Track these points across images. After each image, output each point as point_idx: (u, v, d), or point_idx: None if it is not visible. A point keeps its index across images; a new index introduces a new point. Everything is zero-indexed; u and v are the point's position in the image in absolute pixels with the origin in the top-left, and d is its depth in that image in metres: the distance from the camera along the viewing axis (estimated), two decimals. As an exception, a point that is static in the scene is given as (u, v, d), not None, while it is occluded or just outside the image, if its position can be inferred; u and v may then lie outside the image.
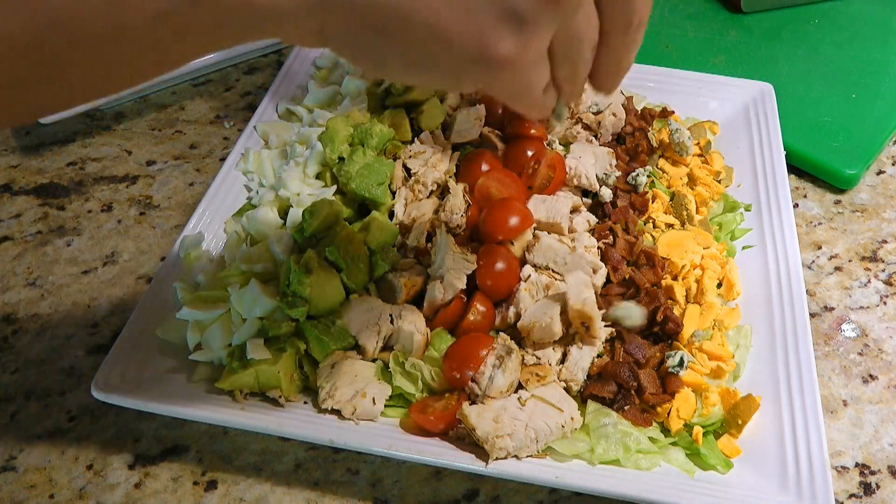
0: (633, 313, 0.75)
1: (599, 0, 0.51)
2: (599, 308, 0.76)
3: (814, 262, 0.95)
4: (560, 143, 0.95)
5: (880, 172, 1.07)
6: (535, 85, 0.50)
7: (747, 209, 0.92)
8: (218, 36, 0.46)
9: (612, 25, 0.52)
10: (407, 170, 0.91)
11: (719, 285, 0.83)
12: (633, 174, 0.91)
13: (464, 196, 0.84)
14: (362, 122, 0.92)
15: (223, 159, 1.00)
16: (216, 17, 0.44)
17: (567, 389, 0.73)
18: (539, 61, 0.49)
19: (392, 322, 0.76)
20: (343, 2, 0.44)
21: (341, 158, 0.88)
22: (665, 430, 0.72)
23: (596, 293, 0.76)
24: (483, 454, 0.68)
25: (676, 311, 0.79)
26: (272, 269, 0.82)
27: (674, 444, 0.71)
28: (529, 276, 0.78)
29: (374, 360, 0.76)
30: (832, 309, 0.89)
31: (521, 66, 0.47)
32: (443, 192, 0.89)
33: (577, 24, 0.49)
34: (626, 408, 0.72)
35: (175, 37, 0.45)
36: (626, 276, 0.80)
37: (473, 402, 0.70)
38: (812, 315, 0.88)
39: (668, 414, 0.71)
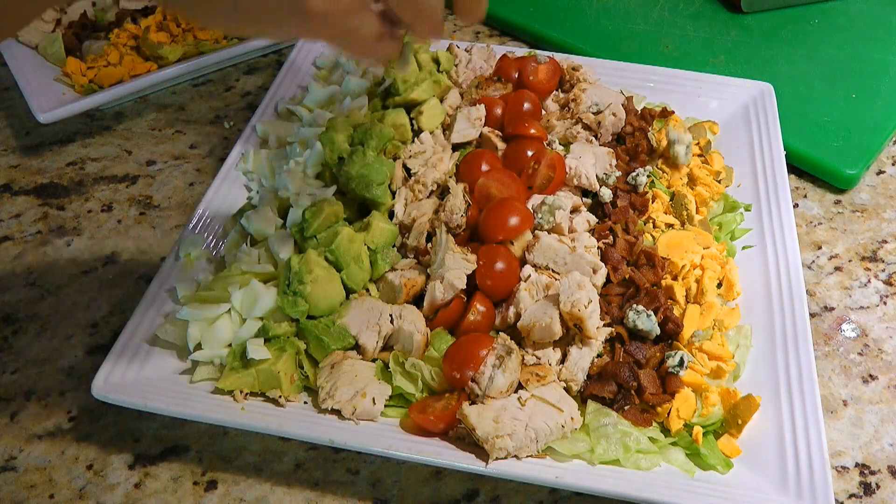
0: (647, 324, 0.75)
1: None
2: (602, 309, 0.76)
3: (814, 262, 0.95)
4: (560, 143, 0.95)
5: (880, 172, 1.07)
6: (359, 32, 0.56)
7: (747, 209, 0.92)
8: None
9: None
10: (407, 170, 0.91)
11: (719, 285, 0.83)
12: (633, 174, 0.91)
13: (464, 196, 0.84)
14: (362, 122, 0.92)
15: (223, 159, 1.00)
16: None
17: (567, 389, 0.73)
18: (357, 11, 0.55)
19: (392, 322, 0.76)
20: None
21: (341, 158, 0.88)
22: (665, 430, 0.72)
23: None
24: (483, 454, 0.68)
25: (676, 311, 0.79)
26: (272, 269, 0.82)
27: (674, 444, 0.71)
28: (529, 276, 0.78)
29: (374, 360, 0.76)
30: (832, 309, 0.89)
31: (335, 17, 0.54)
32: (443, 192, 0.89)
33: None
34: (626, 408, 0.72)
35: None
36: (626, 276, 0.80)
37: (473, 402, 0.70)
38: (812, 315, 0.88)
39: (668, 414, 0.71)
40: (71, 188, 1.04)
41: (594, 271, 0.79)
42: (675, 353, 0.73)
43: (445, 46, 1.10)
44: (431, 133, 0.95)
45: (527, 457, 0.68)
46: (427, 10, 0.58)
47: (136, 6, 1.23)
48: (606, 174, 0.91)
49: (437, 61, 1.03)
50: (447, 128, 0.96)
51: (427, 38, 0.62)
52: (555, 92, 1.05)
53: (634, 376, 0.72)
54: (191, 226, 0.88)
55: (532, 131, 0.92)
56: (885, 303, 0.90)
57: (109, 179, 1.06)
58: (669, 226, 0.88)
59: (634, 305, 0.76)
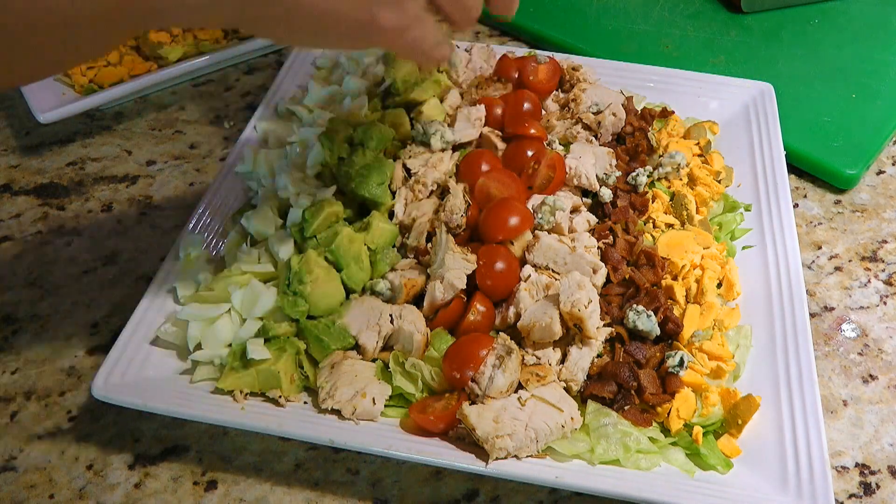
0: (647, 324, 0.75)
1: None
2: (602, 309, 0.76)
3: (814, 262, 0.95)
4: (560, 143, 0.95)
5: (880, 172, 1.07)
6: (424, 39, 0.63)
7: (747, 209, 0.92)
8: (147, 23, 0.56)
9: None
10: (407, 170, 0.91)
11: (719, 285, 0.83)
12: (633, 174, 0.91)
13: (464, 196, 0.84)
14: (362, 122, 0.92)
15: (223, 159, 1.00)
16: (150, 7, 0.54)
17: (567, 389, 0.73)
18: (420, 19, 0.62)
19: (392, 322, 0.76)
20: None
21: (341, 158, 0.88)
22: (665, 430, 0.72)
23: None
24: (483, 454, 0.68)
25: (676, 311, 0.79)
26: (272, 269, 0.82)
27: (674, 444, 0.71)
28: (529, 276, 0.78)
29: (374, 360, 0.76)
30: (832, 309, 0.89)
31: (404, 29, 0.60)
32: (443, 192, 0.89)
33: None
34: (626, 408, 0.72)
35: (111, 24, 0.53)
36: (626, 276, 0.80)
37: (473, 402, 0.70)
38: (812, 315, 0.88)
39: (668, 414, 0.71)
40: (71, 188, 1.04)
41: (594, 271, 0.79)
42: (675, 353, 0.73)
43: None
44: (431, 133, 0.95)
45: (527, 457, 0.68)
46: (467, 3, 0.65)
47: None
48: (606, 174, 0.91)
49: (437, 61, 1.03)
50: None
51: (462, 28, 0.67)
52: (555, 92, 1.05)
53: (634, 376, 0.72)
54: (191, 226, 0.88)
55: (532, 131, 0.92)
56: (885, 303, 0.90)
57: (109, 179, 1.06)
58: (669, 226, 0.88)
59: (634, 305, 0.76)
